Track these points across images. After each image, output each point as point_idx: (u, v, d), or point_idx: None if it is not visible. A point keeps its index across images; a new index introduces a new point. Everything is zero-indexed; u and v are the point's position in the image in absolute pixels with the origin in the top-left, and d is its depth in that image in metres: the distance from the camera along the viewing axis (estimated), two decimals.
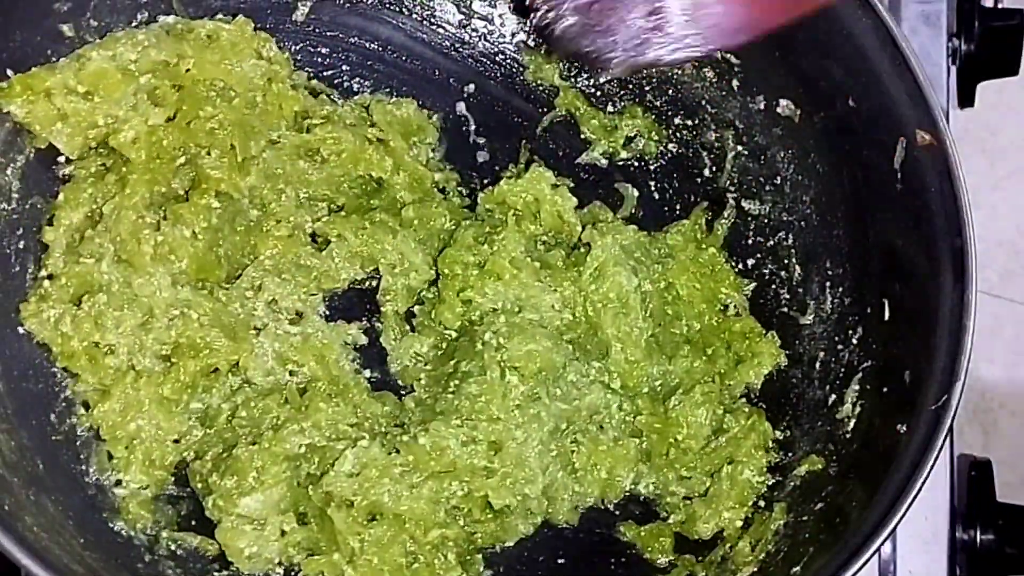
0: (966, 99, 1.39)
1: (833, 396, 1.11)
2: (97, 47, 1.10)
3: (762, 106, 1.19)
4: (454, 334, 1.16)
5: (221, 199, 1.12)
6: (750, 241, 1.22)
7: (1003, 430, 2.09)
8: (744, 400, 1.16)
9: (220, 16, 1.17)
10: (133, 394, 1.07)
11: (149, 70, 1.11)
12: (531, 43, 1.28)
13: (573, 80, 1.27)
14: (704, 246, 1.21)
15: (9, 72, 1.06)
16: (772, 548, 1.06)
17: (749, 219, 1.22)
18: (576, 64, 1.27)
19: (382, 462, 1.06)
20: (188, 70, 1.12)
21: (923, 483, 0.95)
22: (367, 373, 1.16)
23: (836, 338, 1.13)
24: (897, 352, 1.06)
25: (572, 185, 1.23)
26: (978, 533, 1.18)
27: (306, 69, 1.22)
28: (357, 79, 1.26)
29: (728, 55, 1.20)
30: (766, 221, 1.21)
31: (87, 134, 1.10)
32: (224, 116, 1.13)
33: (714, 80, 1.22)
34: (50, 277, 1.08)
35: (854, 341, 1.11)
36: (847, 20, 1.08)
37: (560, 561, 1.11)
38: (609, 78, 1.27)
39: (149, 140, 1.11)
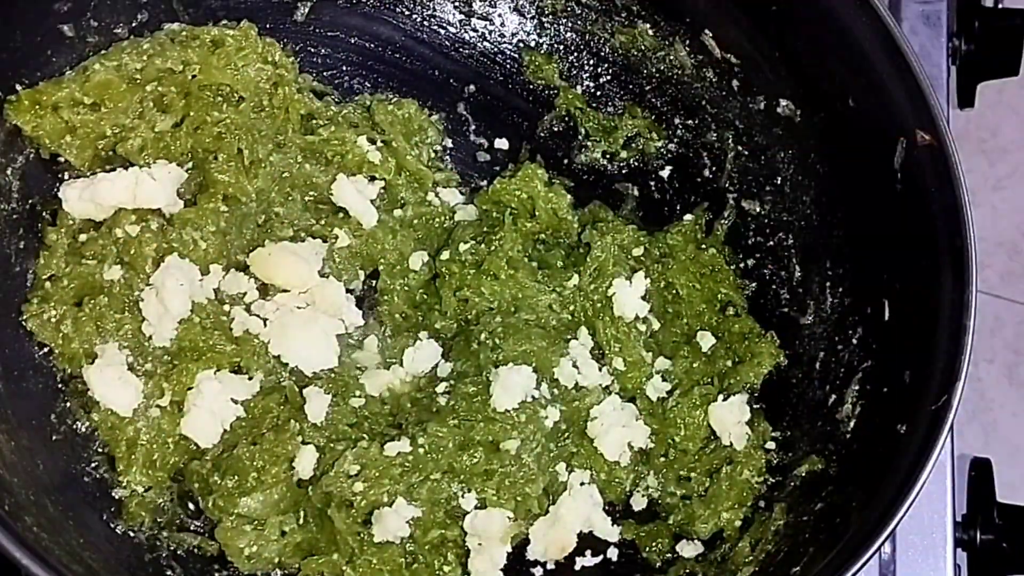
0: (966, 99, 1.39)
1: (833, 396, 1.11)
2: (101, 58, 1.10)
3: (762, 106, 1.19)
4: (450, 334, 1.16)
5: (229, 203, 1.13)
6: (750, 241, 1.22)
7: (1003, 430, 2.09)
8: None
9: (225, 22, 1.17)
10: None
11: (155, 78, 1.12)
12: (531, 43, 1.28)
13: (573, 80, 1.27)
14: (704, 246, 1.21)
15: (17, 87, 1.06)
16: (772, 548, 1.06)
17: (749, 219, 1.22)
18: (576, 64, 1.27)
19: (382, 462, 1.06)
20: (194, 76, 1.13)
21: (923, 483, 0.95)
22: (366, 373, 1.16)
23: (836, 338, 1.13)
24: (897, 352, 1.06)
25: (571, 185, 1.23)
26: (978, 533, 1.18)
27: (306, 69, 1.22)
28: (357, 79, 1.26)
29: (728, 55, 1.20)
30: (766, 221, 1.21)
31: (96, 145, 1.10)
32: (231, 120, 1.13)
33: (714, 80, 1.22)
34: (51, 278, 1.08)
35: (854, 341, 1.11)
36: (847, 20, 1.08)
37: (560, 560, 1.11)
38: (609, 78, 1.27)
39: (156, 146, 1.11)
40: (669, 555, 1.11)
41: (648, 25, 1.23)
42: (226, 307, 1.11)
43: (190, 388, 1.08)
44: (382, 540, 1.04)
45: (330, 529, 1.05)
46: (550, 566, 1.11)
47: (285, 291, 1.12)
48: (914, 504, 0.94)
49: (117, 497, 1.06)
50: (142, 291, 1.08)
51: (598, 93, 1.27)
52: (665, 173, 1.26)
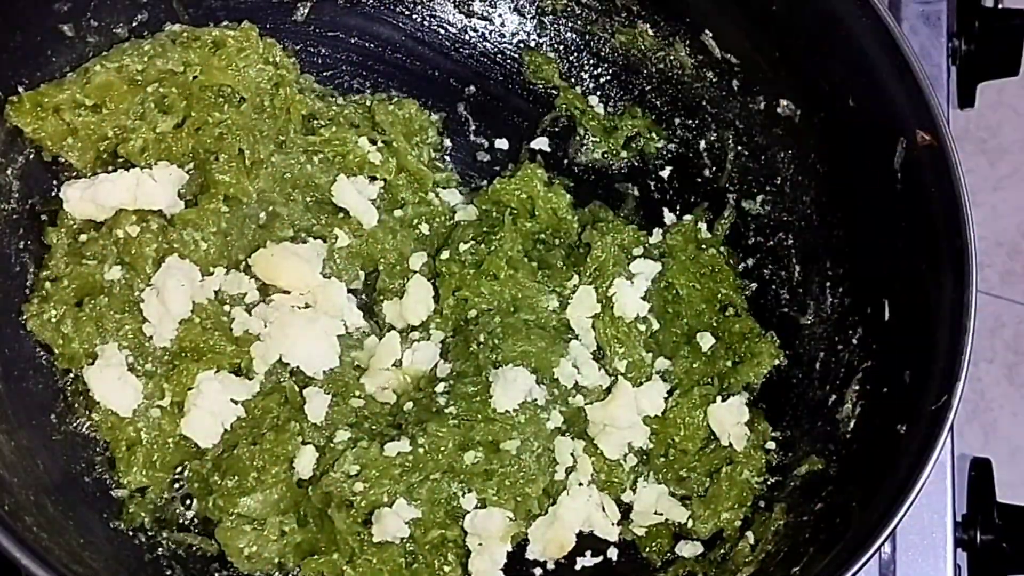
0: (966, 99, 1.39)
1: (833, 396, 1.11)
2: (102, 59, 1.10)
3: (762, 106, 1.19)
4: (450, 334, 1.16)
5: (230, 203, 1.13)
6: (750, 241, 1.22)
7: (1003, 430, 2.09)
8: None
9: (225, 23, 1.17)
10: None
11: (156, 79, 1.12)
12: (531, 43, 1.28)
13: (573, 80, 1.27)
14: (704, 246, 1.21)
15: (19, 88, 1.06)
16: (772, 548, 1.06)
17: (749, 219, 1.22)
18: (576, 64, 1.27)
19: (382, 462, 1.06)
20: (195, 77, 1.13)
21: (923, 483, 0.95)
22: (366, 373, 1.15)
23: (836, 338, 1.13)
24: (897, 352, 1.06)
25: (571, 185, 1.23)
26: (978, 533, 1.18)
27: (306, 69, 1.22)
28: (357, 79, 1.26)
29: (728, 55, 1.20)
30: (766, 221, 1.21)
31: (98, 147, 1.10)
32: (232, 121, 1.13)
33: (714, 80, 1.22)
34: (51, 278, 1.08)
35: (854, 341, 1.11)
36: (847, 20, 1.08)
37: (560, 560, 1.11)
38: (609, 78, 1.27)
39: (158, 147, 1.11)
40: (669, 555, 1.11)
41: (648, 25, 1.23)
42: (227, 308, 1.11)
43: (190, 388, 1.08)
44: (382, 540, 1.04)
45: (330, 529, 1.05)
46: (550, 566, 1.11)
47: (286, 292, 1.12)
48: (914, 504, 0.95)
49: (117, 497, 1.06)
50: (143, 291, 1.08)
51: (598, 93, 1.27)
52: (665, 173, 1.26)
